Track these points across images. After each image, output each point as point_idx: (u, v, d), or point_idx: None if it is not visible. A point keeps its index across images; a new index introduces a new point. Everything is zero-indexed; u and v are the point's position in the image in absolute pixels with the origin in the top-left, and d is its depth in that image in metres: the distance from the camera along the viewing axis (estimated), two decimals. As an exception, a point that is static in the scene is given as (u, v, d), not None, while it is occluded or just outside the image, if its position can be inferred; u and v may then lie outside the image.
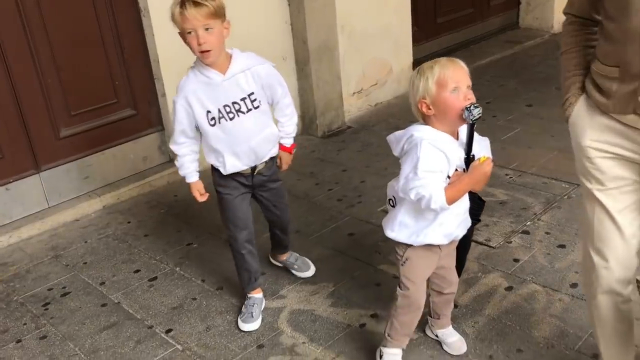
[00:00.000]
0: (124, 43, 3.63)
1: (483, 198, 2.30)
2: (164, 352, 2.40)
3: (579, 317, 2.35)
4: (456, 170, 1.91)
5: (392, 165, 3.80)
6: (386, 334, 2.15)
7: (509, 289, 2.57)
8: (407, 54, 5.20)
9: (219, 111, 2.22)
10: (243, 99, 2.24)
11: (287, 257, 2.81)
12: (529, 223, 3.04)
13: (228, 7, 4.34)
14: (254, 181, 2.42)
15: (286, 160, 2.52)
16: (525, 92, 4.92)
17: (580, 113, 1.70)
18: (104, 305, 2.72)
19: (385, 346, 2.17)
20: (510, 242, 2.90)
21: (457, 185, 1.86)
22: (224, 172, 2.33)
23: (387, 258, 2.84)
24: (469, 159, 1.94)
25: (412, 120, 4.93)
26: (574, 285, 2.54)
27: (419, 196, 1.83)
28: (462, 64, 1.87)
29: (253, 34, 4.12)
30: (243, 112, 2.24)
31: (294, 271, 2.80)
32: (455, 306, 2.41)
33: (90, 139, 3.58)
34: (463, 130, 1.96)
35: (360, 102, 4.92)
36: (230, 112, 2.23)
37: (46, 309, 2.73)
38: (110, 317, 2.63)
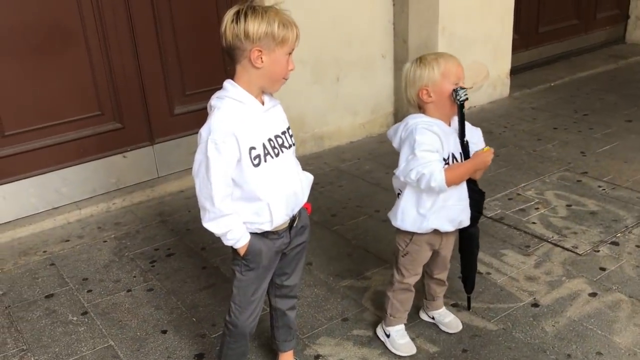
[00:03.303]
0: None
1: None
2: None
3: (664, 329, 2.36)
4: (454, 159, 2.07)
5: (482, 167, 3.87)
6: (388, 314, 2.34)
7: (593, 295, 2.60)
8: (505, 61, 5.21)
9: (264, 147, 1.82)
10: (284, 133, 1.90)
11: None
12: (619, 235, 3.03)
13: (336, 3, 4.55)
14: (291, 237, 1.98)
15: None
16: (626, 107, 4.83)
17: None
18: (204, 267, 2.97)
19: (389, 325, 2.36)
20: (598, 251, 2.91)
21: (458, 169, 2.02)
22: (270, 227, 1.88)
23: (472, 254, 2.92)
24: (463, 143, 2.08)
25: (505, 126, 4.91)
26: (661, 299, 2.54)
27: (419, 175, 1.97)
28: (457, 59, 2.05)
29: (356, 31, 4.30)
30: (286, 147, 1.89)
31: None
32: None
33: (200, 118, 3.75)
34: (455, 120, 2.10)
35: (454, 105, 4.98)
36: (274, 147, 1.85)
37: (153, 266, 3.01)
38: (209, 278, 2.88)
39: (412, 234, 2.16)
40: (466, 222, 2.17)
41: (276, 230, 1.92)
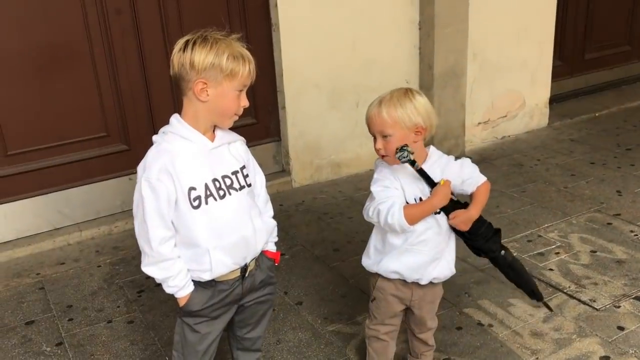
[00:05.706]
0: (254, 54, 3.79)
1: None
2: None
3: (683, 407, 2.05)
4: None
5: (503, 205, 3.60)
6: None
7: (605, 358, 2.30)
8: (544, 89, 4.91)
9: (207, 187, 1.66)
10: (235, 173, 1.73)
11: None
12: (645, 289, 2.72)
13: (357, 26, 4.37)
14: (244, 288, 1.80)
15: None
16: (675, 142, 4.44)
17: None
18: (189, 301, 2.84)
19: None
20: (619, 307, 2.60)
21: (419, 206, 1.83)
22: (210, 276, 1.71)
23: (476, 302, 2.67)
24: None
25: (538, 159, 4.60)
26: (684, 369, 2.22)
27: (377, 211, 1.83)
28: (380, 110, 1.80)
29: (378, 54, 4.13)
30: (235, 189, 1.72)
31: None
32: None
33: (210, 141, 3.77)
34: (437, 163, 1.92)
35: (486, 134, 4.72)
36: (220, 188, 1.68)
37: (139, 296, 2.90)
38: (193, 313, 2.74)
39: (377, 277, 2.00)
40: (438, 276, 1.96)
41: (224, 280, 1.75)
